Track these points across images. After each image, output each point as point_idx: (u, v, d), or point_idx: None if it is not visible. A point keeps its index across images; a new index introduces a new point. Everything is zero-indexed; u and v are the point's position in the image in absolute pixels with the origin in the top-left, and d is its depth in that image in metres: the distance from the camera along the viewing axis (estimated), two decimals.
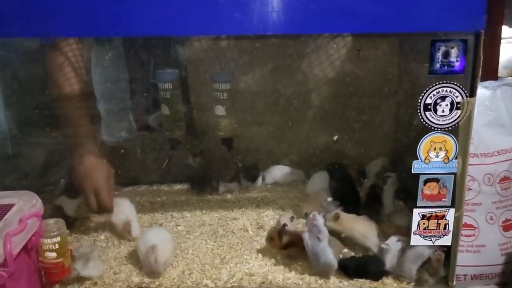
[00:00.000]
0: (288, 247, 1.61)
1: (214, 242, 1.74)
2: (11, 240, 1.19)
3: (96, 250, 1.57)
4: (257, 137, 2.13)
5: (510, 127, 1.67)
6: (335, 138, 1.99)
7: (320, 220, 1.54)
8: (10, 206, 1.37)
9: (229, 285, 1.52)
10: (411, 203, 1.45)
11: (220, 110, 2.01)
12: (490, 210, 1.67)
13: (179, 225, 1.87)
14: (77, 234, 1.81)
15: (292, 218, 1.71)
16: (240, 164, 2.12)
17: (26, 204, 1.36)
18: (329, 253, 1.51)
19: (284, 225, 1.63)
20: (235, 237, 1.77)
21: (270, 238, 1.63)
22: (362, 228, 1.64)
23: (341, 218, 1.63)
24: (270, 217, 1.90)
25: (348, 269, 1.54)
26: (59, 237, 1.39)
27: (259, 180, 2.16)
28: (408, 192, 1.75)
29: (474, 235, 1.65)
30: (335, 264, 1.52)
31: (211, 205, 2.01)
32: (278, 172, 2.17)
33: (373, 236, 1.61)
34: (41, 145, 2.11)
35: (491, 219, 1.67)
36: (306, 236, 1.54)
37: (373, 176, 1.99)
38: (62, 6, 1.25)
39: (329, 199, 1.70)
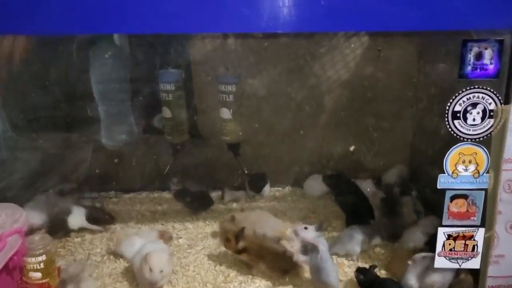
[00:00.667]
0: (243, 252, 1.50)
1: (217, 257, 1.60)
2: None
3: (86, 269, 1.43)
4: (265, 143, 2.00)
5: None
6: (352, 148, 1.84)
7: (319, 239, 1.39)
8: None
9: None
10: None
11: (226, 113, 1.89)
12: (510, 219, 1.52)
13: (181, 237, 1.74)
14: (71, 247, 1.69)
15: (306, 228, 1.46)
16: (246, 172, 1.98)
17: (8, 219, 1.24)
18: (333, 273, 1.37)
19: (243, 228, 1.50)
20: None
21: (225, 238, 1.53)
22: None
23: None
24: None
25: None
26: (44, 255, 1.26)
27: (266, 188, 2.02)
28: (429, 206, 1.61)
29: (493, 245, 1.51)
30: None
31: (215, 215, 1.88)
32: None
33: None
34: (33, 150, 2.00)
35: (511, 228, 1.53)
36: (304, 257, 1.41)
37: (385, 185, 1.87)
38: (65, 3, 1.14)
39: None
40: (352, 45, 1.77)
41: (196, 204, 1.91)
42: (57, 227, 1.71)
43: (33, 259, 1.25)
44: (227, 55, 1.87)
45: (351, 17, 1.13)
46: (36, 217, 1.68)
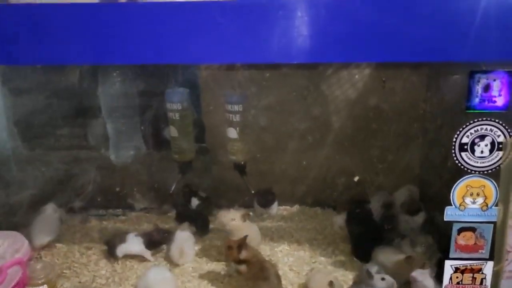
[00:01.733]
0: (243, 263, 1.49)
1: (222, 283, 1.59)
2: None
3: None
4: (272, 162, 1.98)
5: None
6: (356, 179, 1.81)
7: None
8: None
9: None
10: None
11: (232, 133, 1.87)
12: None
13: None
14: (76, 268, 1.68)
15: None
16: (253, 191, 1.96)
17: (9, 248, 1.24)
18: None
19: (245, 237, 1.50)
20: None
21: (228, 247, 1.51)
22: None
23: None
24: (284, 253, 1.74)
25: None
26: (46, 285, 1.26)
27: (275, 205, 2.00)
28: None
29: (507, 259, 1.46)
30: None
31: (222, 237, 1.85)
32: None
33: None
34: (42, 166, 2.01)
35: None
36: None
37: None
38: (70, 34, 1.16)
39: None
40: (358, 75, 1.76)
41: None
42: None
43: None
44: (234, 76, 1.86)
45: (360, 48, 1.12)
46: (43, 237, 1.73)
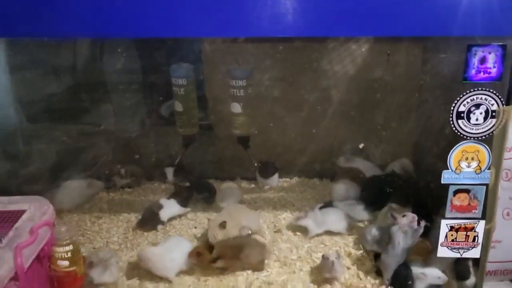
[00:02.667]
0: (217, 260, 1.52)
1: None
2: (21, 253, 1.14)
3: (115, 256, 1.50)
4: (274, 136, 2.07)
5: None
6: (361, 146, 1.91)
7: None
8: (20, 213, 1.32)
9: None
10: None
11: (236, 107, 1.95)
12: (507, 205, 1.58)
13: (195, 227, 1.81)
14: (89, 235, 1.76)
15: (338, 256, 1.49)
16: (256, 164, 2.05)
17: (37, 211, 1.31)
18: None
19: (224, 222, 1.58)
20: None
21: (196, 253, 1.52)
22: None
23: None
24: (287, 220, 1.84)
25: None
26: (71, 245, 1.34)
27: (275, 177, 2.10)
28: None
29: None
30: None
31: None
32: None
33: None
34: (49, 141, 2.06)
35: (508, 214, 1.60)
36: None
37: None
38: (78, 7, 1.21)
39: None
40: (361, 48, 1.84)
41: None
42: (149, 221, 1.81)
43: (61, 249, 1.33)
44: (238, 50, 1.93)
45: (357, 23, 1.20)
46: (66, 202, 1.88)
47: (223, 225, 1.60)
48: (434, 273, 1.42)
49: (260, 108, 1.99)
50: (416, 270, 1.43)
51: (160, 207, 1.81)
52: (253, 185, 2.11)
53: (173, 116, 2.03)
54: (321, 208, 1.78)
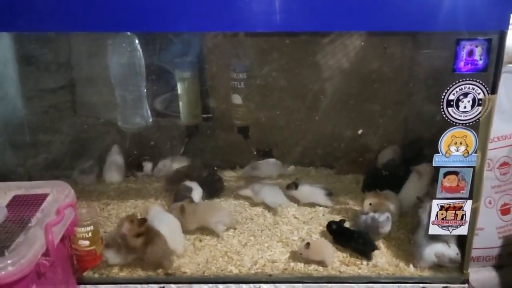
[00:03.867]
0: (140, 236, 1.56)
1: (235, 229, 1.79)
2: (52, 230, 1.23)
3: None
4: (272, 126, 2.18)
5: (510, 113, 1.73)
6: (360, 132, 2.03)
7: None
8: (44, 196, 1.41)
9: (253, 271, 1.58)
10: None
11: (237, 99, 2.06)
12: (489, 194, 1.75)
13: None
14: (100, 221, 1.83)
15: (308, 245, 1.60)
16: (255, 153, 2.16)
17: (60, 194, 1.40)
18: None
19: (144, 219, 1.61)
20: (255, 224, 1.82)
21: (130, 221, 1.55)
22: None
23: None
24: (286, 204, 1.94)
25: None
26: (92, 226, 1.43)
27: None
28: None
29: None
30: None
31: (228, 192, 2.06)
32: None
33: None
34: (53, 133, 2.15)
35: (490, 203, 1.76)
36: None
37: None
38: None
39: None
40: (359, 41, 1.96)
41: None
42: None
43: (82, 229, 1.42)
44: (239, 44, 2.03)
45: (350, 18, 1.31)
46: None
47: (181, 209, 1.71)
48: None
49: (260, 99, 2.09)
50: None
51: (190, 189, 1.91)
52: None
53: (169, 110, 2.13)
54: None
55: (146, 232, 1.57)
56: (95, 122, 2.22)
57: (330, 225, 1.70)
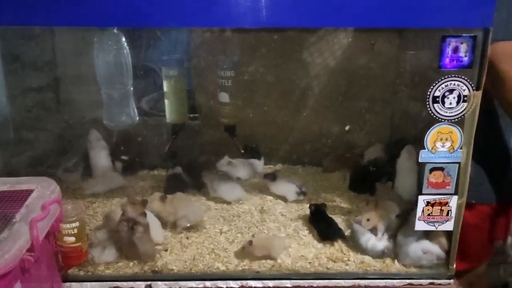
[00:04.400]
0: (143, 215, 1.58)
1: (222, 226, 1.79)
2: (37, 225, 1.22)
3: (113, 237, 1.59)
4: (259, 124, 2.18)
5: None
6: (347, 128, 2.04)
7: None
8: (29, 192, 1.39)
9: (240, 268, 1.58)
10: None
11: (224, 97, 2.05)
12: None
13: None
14: (91, 215, 1.84)
15: (251, 242, 1.62)
16: (242, 151, 2.16)
17: (45, 190, 1.38)
18: None
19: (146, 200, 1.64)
20: (242, 221, 1.82)
21: (131, 203, 1.59)
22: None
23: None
24: (274, 202, 1.95)
25: None
26: (78, 222, 1.42)
27: (261, 163, 2.19)
28: None
29: None
30: None
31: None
32: None
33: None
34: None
35: None
36: None
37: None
38: None
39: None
40: (346, 38, 1.98)
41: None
42: None
43: (68, 225, 1.41)
44: (226, 42, 2.03)
45: (336, 14, 1.31)
46: None
47: (163, 198, 1.73)
48: None
49: (247, 97, 2.10)
50: None
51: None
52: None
53: (155, 110, 2.12)
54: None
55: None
56: (81, 121, 2.20)
57: (310, 206, 1.79)
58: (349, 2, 1.30)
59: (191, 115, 2.19)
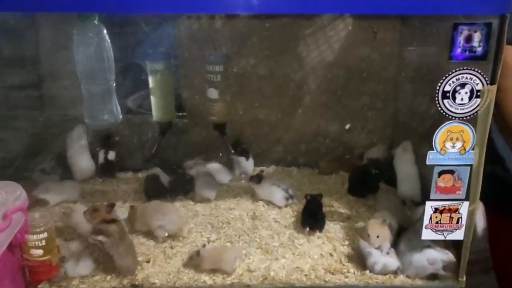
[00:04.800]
0: (112, 222, 1.39)
1: (210, 234, 1.64)
2: None
3: (88, 247, 1.44)
4: (250, 123, 2.04)
5: None
6: (347, 127, 1.90)
7: None
8: None
9: (229, 282, 1.43)
10: None
11: (213, 93, 1.91)
12: None
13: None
14: (60, 227, 1.67)
15: (204, 245, 1.51)
16: (233, 151, 2.01)
17: (9, 196, 1.23)
18: None
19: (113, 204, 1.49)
20: (232, 228, 1.67)
21: (93, 210, 1.45)
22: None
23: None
24: (266, 208, 1.80)
25: None
26: (46, 233, 1.27)
27: (250, 164, 2.04)
28: None
29: None
30: None
31: None
32: None
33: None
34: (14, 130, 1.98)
35: None
36: None
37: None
38: None
39: None
40: (338, 27, 1.83)
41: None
42: None
43: (35, 236, 1.26)
44: (214, 34, 1.89)
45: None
46: None
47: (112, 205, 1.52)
48: None
49: (238, 93, 1.96)
50: None
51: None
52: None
53: (142, 108, 1.99)
54: None
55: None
56: (60, 119, 2.06)
57: (306, 195, 1.70)
58: None
59: (179, 114, 2.05)
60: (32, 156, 2.00)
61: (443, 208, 1.36)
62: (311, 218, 1.64)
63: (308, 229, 1.61)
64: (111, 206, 1.45)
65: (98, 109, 1.97)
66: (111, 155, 2.03)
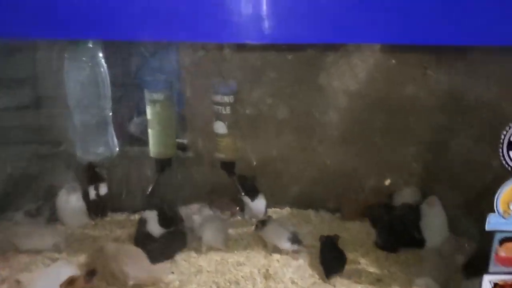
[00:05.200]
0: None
1: None
2: None
3: None
4: (262, 161, 1.82)
5: None
6: (387, 182, 1.66)
7: None
8: None
9: None
10: None
11: (221, 127, 1.69)
12: None
13: (172, 272, 1.49)
14: None
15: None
16: (243, 193, 1.77)
17: None
18: None
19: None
20: None
21: (69, 281, 1.22)
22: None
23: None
24: (282, 262, 1.54)
25: None
26: None
27: (262, 200, 1.81)
28: None
29: None
30: None
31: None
32: None
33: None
34: None
35: None
36: None
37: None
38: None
39: None
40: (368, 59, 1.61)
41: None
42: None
43: None
44: (223, 63, 1.68)
45: (378, 25, 0.97)
46: None
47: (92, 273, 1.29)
48: None
49: (249, 128, 1.76)
50: None
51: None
52: (238, 217, 1.83)
53: (145, 135, 1.77)
54: None
55: None
56: (48, 153, 1.86)
57: (321, 237, 1.57)
58: (391, 11, 0.93)
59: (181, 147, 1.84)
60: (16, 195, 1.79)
61: (504, 283, 1.11)
62: (330, 259, 1.47)
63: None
64: (92, 274, 1.19)
65: (92, 141, 1.79)
66: (103, 189, 1.82)
